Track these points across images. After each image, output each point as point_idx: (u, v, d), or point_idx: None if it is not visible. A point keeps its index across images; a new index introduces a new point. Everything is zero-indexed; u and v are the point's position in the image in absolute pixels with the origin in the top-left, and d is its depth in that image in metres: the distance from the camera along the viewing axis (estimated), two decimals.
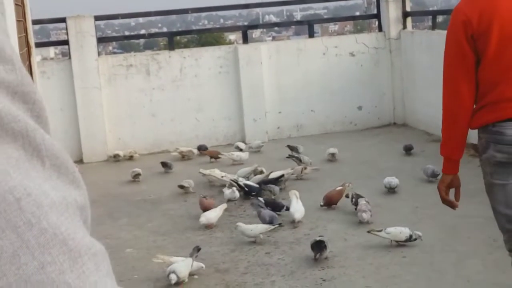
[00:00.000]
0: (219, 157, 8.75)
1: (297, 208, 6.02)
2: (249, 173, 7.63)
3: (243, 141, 9.52)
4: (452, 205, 3.47)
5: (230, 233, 6.00)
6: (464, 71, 3.26)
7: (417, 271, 4.88)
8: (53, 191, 0.53)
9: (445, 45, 3.37)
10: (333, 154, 8.31)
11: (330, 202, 6.32)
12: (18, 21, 2.15)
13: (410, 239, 5.23)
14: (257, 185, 7.04)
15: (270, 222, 5.81)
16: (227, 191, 6.80)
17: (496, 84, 3.23)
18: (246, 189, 6.96)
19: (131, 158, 9.25)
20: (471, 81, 3.26)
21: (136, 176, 8.09)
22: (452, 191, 3.45)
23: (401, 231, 5.28)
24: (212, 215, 6.11)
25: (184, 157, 8.95)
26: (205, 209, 6.27)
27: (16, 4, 2.13)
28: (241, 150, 8.95)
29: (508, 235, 3.33)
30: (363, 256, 5.27)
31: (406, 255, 5.20)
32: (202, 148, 9.20)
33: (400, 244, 5.30)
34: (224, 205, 6.31)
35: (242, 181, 7.13)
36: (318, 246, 5.16)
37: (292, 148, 8.52)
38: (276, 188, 6.97)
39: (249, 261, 5.36)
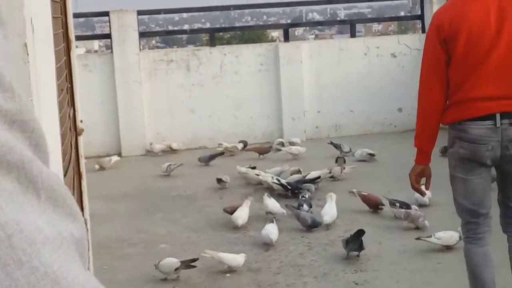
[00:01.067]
0: (267, 153, 8.79)
1: (327, 211, 5.95)
2: (279, 172, 7.61)
3: (281, 140, 9.52)
4: (421, 193, 3.94)
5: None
6: (436, 71, 3.59)
7: (451, 278, 4.80)
8: (47, 225, 0.51)
9: (424, 46, 3.73)
10: (371, 155, 8.32)
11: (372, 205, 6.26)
12: (55, 17, 2.16)
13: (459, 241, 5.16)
14: (295, 184, 7.01)
15: (313, 224, 5.78)
16: (269, 201, 6.30)
17: (462, 84, 3.54)
18: (289, 187, 6.94)
19: (173, 151, 9.30)
20: (442, 80, 3.59)
21: (168, 168, 8.19)
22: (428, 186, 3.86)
23: (452, 235, 5.16)
24: (245, 215, 6.08)
25: (225, 153, 8.93)
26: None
27: (53, 1, 2.15)
28: (294, 144, 9.13)
29: (464, 222, 3.74)
30: (397, 261, 5.21)
31: (441, 261, 5.13)
32: (246, 144, 9.25)
33: (449, 248, 5.21)
34: (248, 201, 6.27)
35: (282, 180, 7.11)
36: (355, 241, 5.16)
37: (336, 146, 8.57)
38: (312, 187, 6.95)
39: (282, 261, 5.34)
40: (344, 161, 7.91)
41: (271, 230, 5.53)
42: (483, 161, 3.56)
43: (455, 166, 3.68)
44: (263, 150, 8.91)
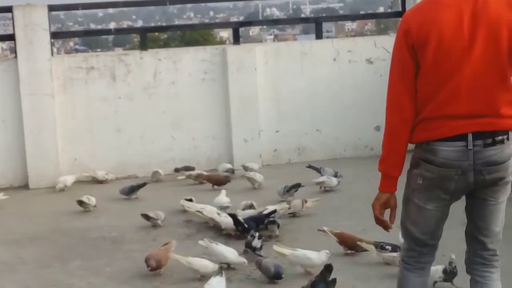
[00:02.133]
0: (225, 184, 8.80)
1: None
2: (225, 206, 7.69)
3: (230, 166, 9.58)
4: (386, 226, 3.97)
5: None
6: (405, 83, 3.79)
7: None
8: None
9: (392, 53, 3.89)
10: (321, 182, 8.60)
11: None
12: None
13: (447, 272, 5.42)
14: (253, 223, 7.03)
15: (277, 275, 5.77)
16: (223, 249, 6.26)
17: (430, 98, 3.73)
18: (246, 226, 6.94)
19: (99, 181, 9.33)
20: (412, 94, 3.78)
21: (82, 204, 8.17)
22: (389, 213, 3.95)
23: (437, 269, 5.40)
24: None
25: (147, 184, 8.96)
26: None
27: None
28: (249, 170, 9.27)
29: (408, 248, 3.99)
30: None
31: None
32: (188, 170, 9.37)
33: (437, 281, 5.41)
34: (171, 245, 6.31)
35: (240, 217, 7.13)
36: (323, 282, 5.30)
37: (316, 170, 8.82)
38: (275, 227, 6.99)
39: None
40: (296, 189, 8.10)
41: (216, 286, 5.49)
42: (449, 189, 3.75)
43: (413, 190, 3.86)
44: (219, 180, 8.95)
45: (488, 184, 3.75)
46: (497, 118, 3.68)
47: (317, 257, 5.86)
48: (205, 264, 5.93)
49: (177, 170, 9.48)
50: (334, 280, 5.33)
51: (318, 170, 8.88)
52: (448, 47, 3.66)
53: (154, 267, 6.01)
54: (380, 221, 3.97)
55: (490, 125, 3.68)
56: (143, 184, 8.77)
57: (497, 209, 3.84)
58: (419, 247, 3.94)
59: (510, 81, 3.73)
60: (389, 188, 3.91)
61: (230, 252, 6.15)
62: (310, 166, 9.05)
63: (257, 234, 6.57)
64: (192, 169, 9.45)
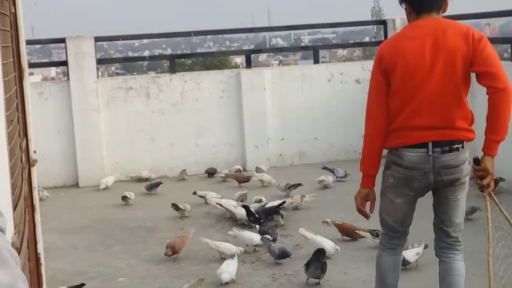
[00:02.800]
0: (247, 181, 8.88)
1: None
2: (241, 199, 7.82)
3: (244, 168, 9.61)
4: (365, 215, 4.10)
5: None
6: (379, 100, 3.91)
7: None
8: None
9: (370, 76, 4.02)
10: (321, 181, 8.63)
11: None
12: (4, 46, 2.16)
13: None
14: (262, 214, 7.04)
15: (281, 256, 5.78)
16: (251, 234, 6.30)
17: (399, 112, 3.85)
18: (257, 216, 6.95)
19: (144, 179, 9.31)
20: (385, 108, 3.89)
21: (125, 198, 8.18)
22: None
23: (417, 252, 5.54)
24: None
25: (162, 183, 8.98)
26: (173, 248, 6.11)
27: (3, 30, 2.15)
28: (261, 171, 9.36)
29: (384, 233, 4.16)
30: None
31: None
32: (214, 172, 9.49)
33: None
34: (189, 234, 6.32)
35: (253, 208, 7.12)
36: (315, 264, 5.32)
37: (330, 170, 8.87)
38: (279, 217, 7.01)
39: None
40: (296, 187, 8.14)
41: (225, 269, 5.46)
42: (413, 187, 3.87)
43: (386, 187, 4.00)
44: (242, 179, 8.97)
45: (446, 184, 3.84)
46: (453, 130, 3.80)
47: (331, 245, 5.86)
48: (229, 247, 5.97)
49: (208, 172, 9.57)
50: (325, 262, 5.38)
51: (331, 170, 8.89)
52: (412, 71, 3.77)
53: (170, 254, 6.06)
54: (361, 211, 4.09)
55: (447, 135, 3.79)
56: (159, 183, 8.81)
57: (457, 205, 3.93)
58: (392, 233, 4.09)
59: (464, 100, 3.83)
60: (368, 184, 4.04)
61: (255, 236, 6.20)
62: (325, 168, 9.03)
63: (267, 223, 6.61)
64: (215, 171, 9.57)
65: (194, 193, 8.04)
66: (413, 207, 4.02)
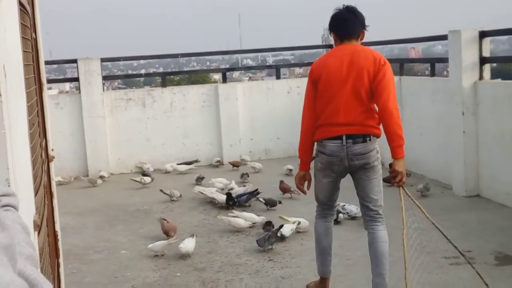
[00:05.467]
0: (239, 166, 9.21)
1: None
2: (243, 178, 8.17)
3: (218, 159, 9.64)
4: (303, 191, 4.28)
5: (207, 238, 5.98)
6: (309, 104, 4.09)
7: (358, 271, 4.89)
8: None
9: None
10: (290, 170, 8.70)
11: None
12: (26, 64, 2.15)
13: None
14: (244, 197, 7.01)
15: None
16: (256, 217, 6.23)
17: (322, 111, 4.01)
18: (236, 201, 6.92)
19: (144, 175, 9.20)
20: (313, 110, 4.07)
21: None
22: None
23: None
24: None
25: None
26: (166, 231, 5.91)
27: (25, 51, 2.14)
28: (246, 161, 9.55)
29: (317, 206, 4.31)
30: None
31: (350, 258, 5.21)
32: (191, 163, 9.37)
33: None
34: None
35: (234, 194, 7.09)
36: (265, 237, 5.45)
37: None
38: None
39: (222, 261, 5.33)
40: (248, 175, 8.30)
41: (186, 243, 5.43)
42: (334, 170, 4.04)
43: (316, 170, 4.16)
44: (237, 164, 9.29)
45: (358, 167, 3.99)
46: (362, 127, 3.95)
47: (288, 228, 5.75)
48: (238, 222, 6.05)
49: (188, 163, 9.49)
50: (270, 223, 5.76)
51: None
52: (332, 80, 3.96)
53: (172, 235, 5.85)
54: (299, 188, 4.28)
55: (358, 130, 3.95)
56: (147, 174, 8.75)
57: (370, 183, 4.05)
58: (322, 205, 4.28)
59: (370, 105, 3.98)
60: (304, 167, 4.24)
61: (254, 216, 6.20)
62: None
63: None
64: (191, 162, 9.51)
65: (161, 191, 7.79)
66: (337, 186, 4.18)
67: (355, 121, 3.94)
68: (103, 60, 9.74)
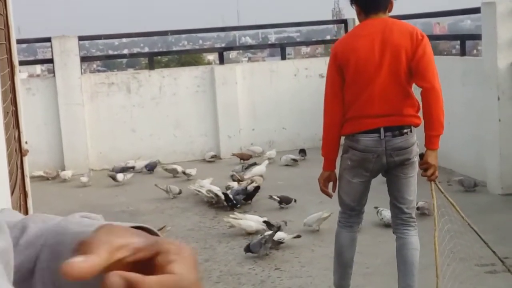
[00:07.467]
0: (248, 159, 9.17)
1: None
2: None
3: (218, 157, 9.60)
4: (328, 195, 4.21)
5: (204, 244, 5.98)
6: (334, 93, 4.00)
7: (378, 282, 4.89)
8: None
9: (327, 71, 4.12)
10: (294, 160, 9.00)
11: None
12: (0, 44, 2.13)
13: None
14: (240, 198, 7.03)
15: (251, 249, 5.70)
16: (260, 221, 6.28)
17: (353, 103, 3.94)
18: (234, 201, 6.95)
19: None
20: (340, 100, 3.99)
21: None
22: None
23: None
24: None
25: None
26: None
27: None
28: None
29: (342, 211, 4.23)
30: (329, 267, 5.22)
31: (369, 267, 5.22)
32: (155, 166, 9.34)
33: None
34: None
35: (231, 194, 7.09)
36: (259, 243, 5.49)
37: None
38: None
39: (221, 270, 5.33)
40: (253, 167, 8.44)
41: None
42: (369, 168, 3.98)
43: (344, 169, 4.09)
44: (246, 157, 9.26)
45: (397, 164, 3.95)
46: (401, 117, 3.91)
47: (256, 221, 6.02)
48: (250, 224, 6.10)
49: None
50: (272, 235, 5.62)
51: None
52: (363, 66, 3.89)
53: None
54: (324, 191, 4.20)
55: (396, 121, 3.91)
56: (132, 168, 8.96)
57: (408, 181, 4.03)
58: (349, 211, 4.18)
59: (409, 90, 3.95)
60: (329, 167, 4.15)
61: (260, 219, 6.23)
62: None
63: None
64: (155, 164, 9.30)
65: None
66: (368, 188, 4.13)
67: (394, 111, 3.90)
68: (81, 38, 9.73)
